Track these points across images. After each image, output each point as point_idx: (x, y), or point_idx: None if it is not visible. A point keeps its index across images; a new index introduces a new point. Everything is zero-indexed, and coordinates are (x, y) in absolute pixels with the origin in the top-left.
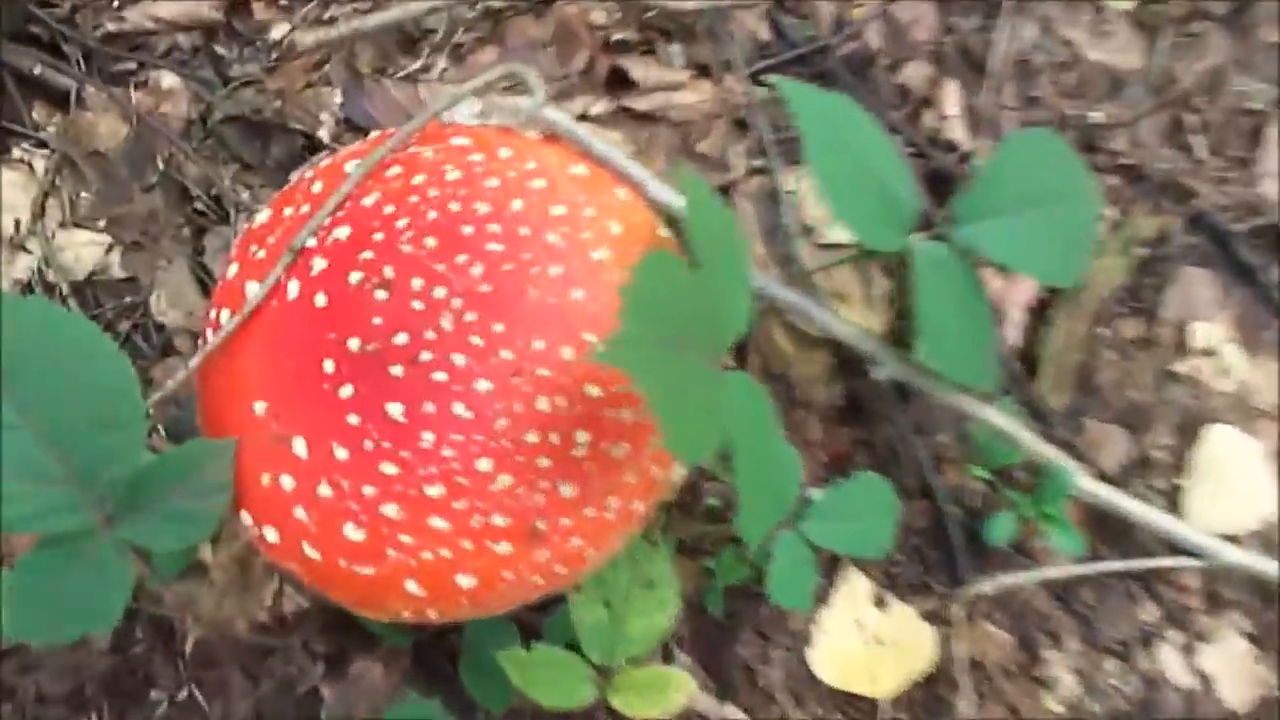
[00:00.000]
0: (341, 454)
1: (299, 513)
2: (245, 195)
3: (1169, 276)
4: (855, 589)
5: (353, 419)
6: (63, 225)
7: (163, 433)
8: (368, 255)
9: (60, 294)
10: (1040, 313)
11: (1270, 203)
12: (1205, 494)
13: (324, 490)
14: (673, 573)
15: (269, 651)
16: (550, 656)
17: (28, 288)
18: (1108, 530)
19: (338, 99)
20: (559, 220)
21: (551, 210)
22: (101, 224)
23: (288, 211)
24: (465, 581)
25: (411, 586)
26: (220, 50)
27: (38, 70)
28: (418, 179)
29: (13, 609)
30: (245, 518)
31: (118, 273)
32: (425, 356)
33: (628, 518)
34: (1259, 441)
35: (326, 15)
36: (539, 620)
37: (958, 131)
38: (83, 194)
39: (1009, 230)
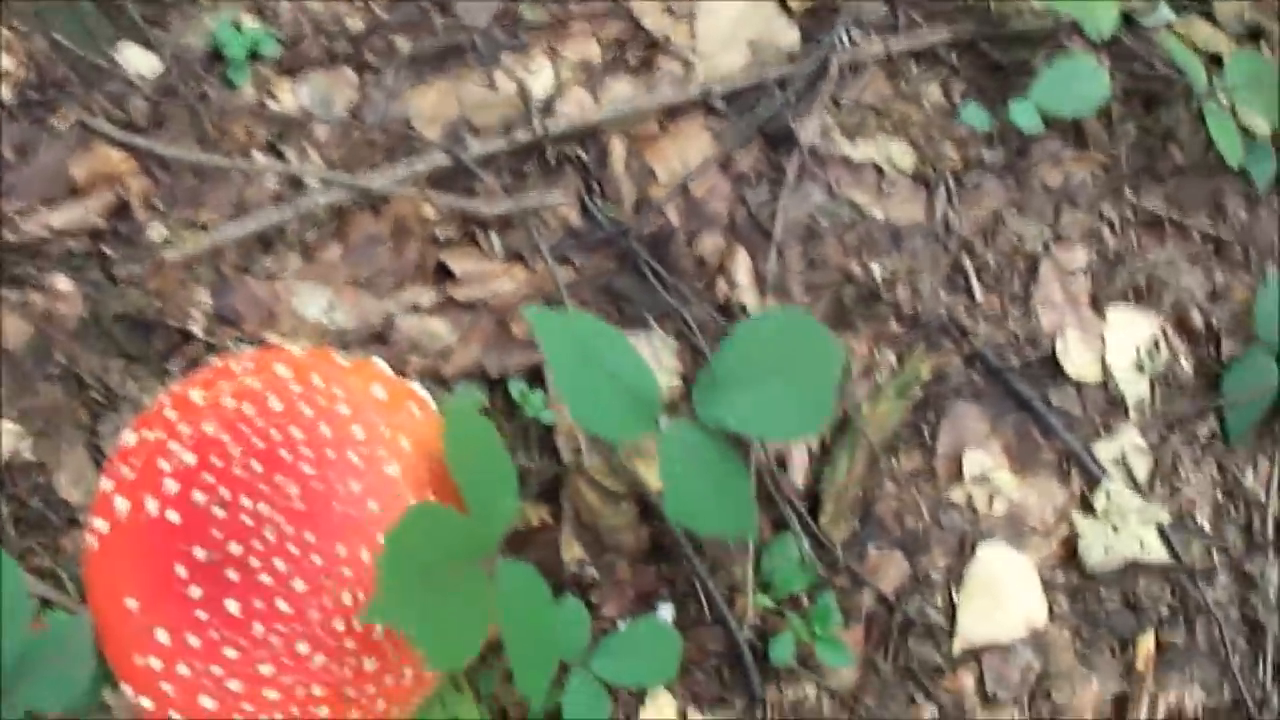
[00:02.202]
0: (194, 641)
1: (165, 686)
2: (133, 386)
3: (944, 411)
4: (661, 706)
5: (200, 614)
6: None
7: None
8: (209, 478)
9: None
10: (823, 453)
11: (1046, 336)
12: (979, 606)
13: (182, 669)
14: (479, 712)
15: None
16: None
17: None
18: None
19: (207, 299)
20: (359, 442)
21: (353, 432)
22: (14, 414)
23: (149, 436)
24: None
25: None
26: (107, 251)
27: None
28: (247, 409)
29: None
30: (126, 689)
31: (29, 457)
32: (254, 563)
33: (422, 681)
34: (1028, 555)
35: (198, 220)
36: None
37: (749, 297)
38: None
39: (747, 402)
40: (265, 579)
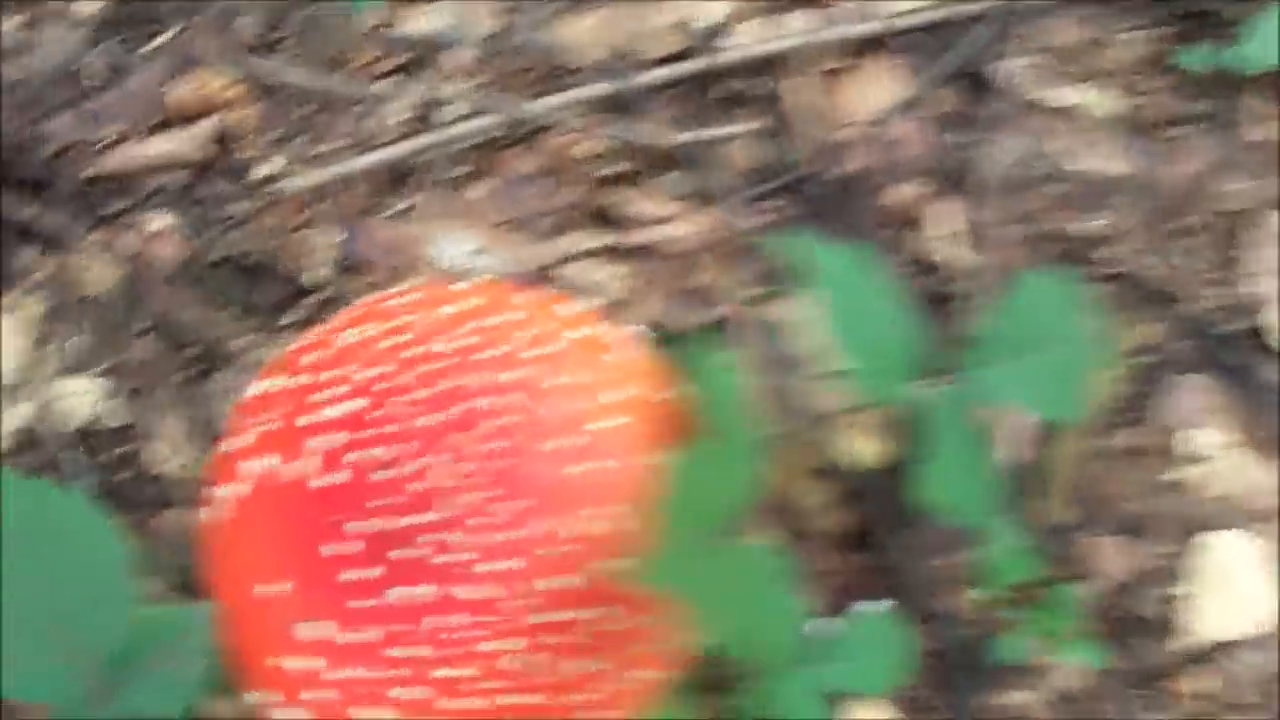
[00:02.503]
0: (351, 638)
1: (307, 696)
2: (241, 342)
3: (1159, 384)
4: (876, 711)
5: (363, 603)
6: (59, 373)
7: None
8: (373, 432)
9: (58, 444)
10: (1043, 433)
11: (1260, 302)
12: (1210, 600)
13: (332, 675)
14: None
15: None
16: None
17: (24, 438)
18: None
19: (329, 241)
20: (567, 390)
21: (561, 380)
22: (97, 371)
23: (288, 384)
24: None
25: None
26: (206, 190)
27: (22, 214)
28: (424, 348)
29: None
30: (257, 697)
31: (114, 421)
32: (429, 541)
33: (638, 688)
34: (1257, 544)
35: (313, 153)
36: None
37: (948, 251)
38: (77, 340)
39: (1011, 375)
40: (443, 560)
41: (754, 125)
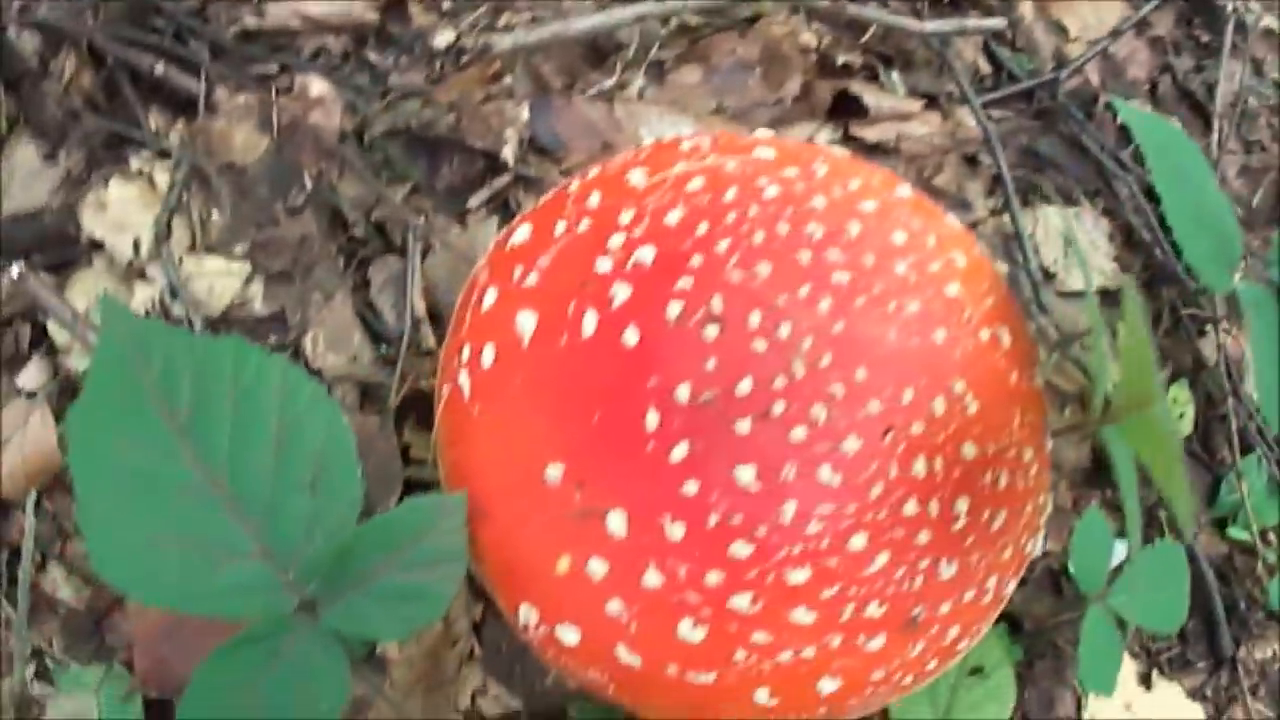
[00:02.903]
0: (676, 531)
1: (613, 607)
2: (420, 221)
3: None
4: (1121, 670)
5: (689, 487)
6: (192, 250)
7: None
8: (686, 283)
9: (190, 330)
10: None
11: None
12: None
13: (651, 578)
14: (1007, 655)
15: None
16: None
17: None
18: None
19: (523, 115)
20: (903, 249)
21: (893, 237)
22: (239, 250)
23: (559, 228)
24: (828, 686)
25: (762, 696)
26: (374, 57)
27: (159, 69)
28: (729, 194)
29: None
30: (527, 613)
31: (260, 309)
32: (778, 409)
33: (999, 599)
34: None
35: (499, 24)
36: None
37: None
38: (215, 214)
39: None
40: (798, 433)
41: (991, 24)
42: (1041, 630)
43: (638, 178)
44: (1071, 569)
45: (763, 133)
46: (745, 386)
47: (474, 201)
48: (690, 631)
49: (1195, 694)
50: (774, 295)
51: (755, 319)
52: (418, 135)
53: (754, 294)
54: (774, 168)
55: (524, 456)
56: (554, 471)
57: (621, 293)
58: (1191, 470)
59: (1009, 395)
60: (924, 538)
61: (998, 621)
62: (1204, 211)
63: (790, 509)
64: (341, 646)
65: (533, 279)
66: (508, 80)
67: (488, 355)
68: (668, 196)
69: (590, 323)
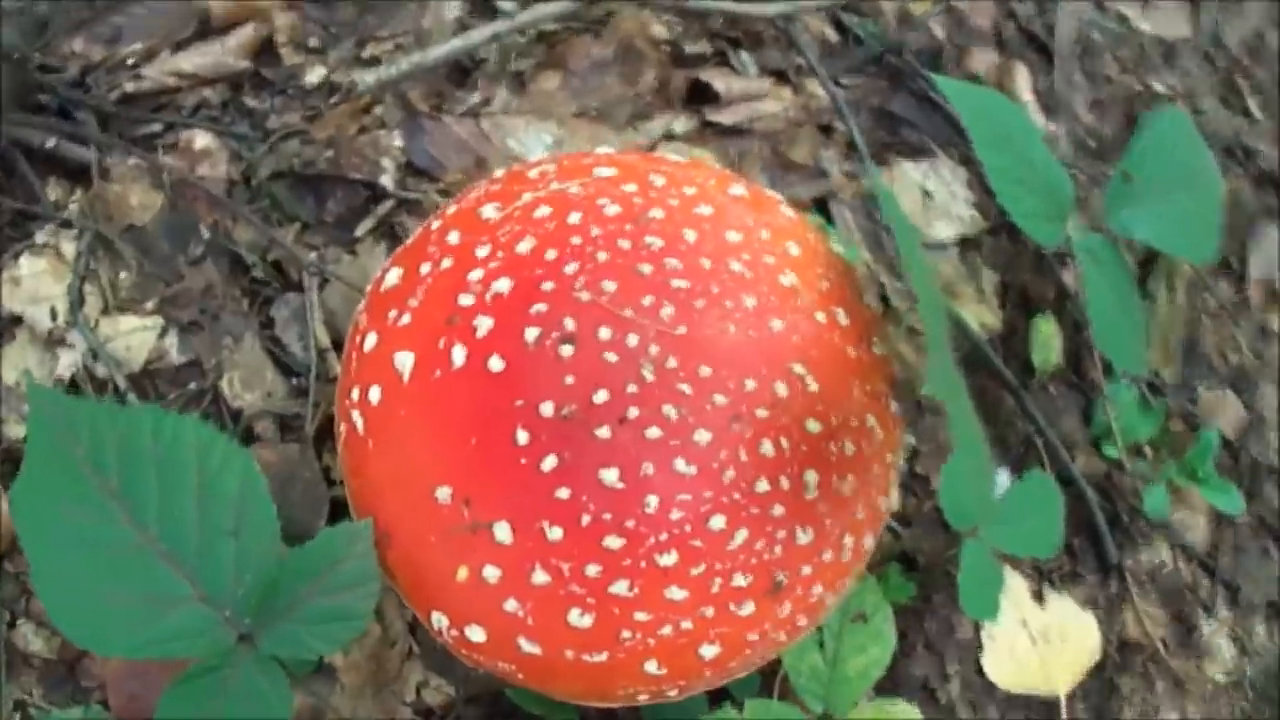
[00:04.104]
0: (555, 533)
1: (510, 605)
2: (313, 256)
3: (1249, 235)
4: (1014, 589)
5: (562, 493)
6: (106, 312)
7: None
8: (540, 308)
9: (115, 388)
10: (1141, 287)
11: None
12: None
13: (539, 577)
14: (885, 602)
15: None
16: (766, 712)
17: (72, 385)
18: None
19: (397, 142)
20: (737, 247)
21: (727, 237)
22: (150, 306)
23: (424, 269)
24: (709, 652)
25: (651, 667)
26: (251, 102)
27: (50, 143)
28: (573, 217)
29: None
30: (439, 618)
31: (176, 358)
32: (633, 413)
33: (859, 555)
34: None
35: (365, 55)
36: None
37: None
38: (122, 275)
39: (1155, 215)
40: (653, 432)
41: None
42: (934, 565)
43: (490, 211)
44: (943, 508)
45: (603, 150)
46: (602, 396)
47: (360, 230)
48: (579, 619)
49: (1088, 603)
50: (620, 308)
51: (605, 333)
52: (301, 174)
53: (602, 310)
54: (614, 185)
55: (416, 481)
56: (443, 492)
57: (484, 324)
58: (1065, 396)
59: (848, 369)
60: (778, 510)
61: (888, 562)
62: (1029, 171)
63: (653, 501)
64: (281, 670)
65: (406, 319)
66: (379, 110)
67: (374, 394)
68: (518, 227)
69: (459, 355)
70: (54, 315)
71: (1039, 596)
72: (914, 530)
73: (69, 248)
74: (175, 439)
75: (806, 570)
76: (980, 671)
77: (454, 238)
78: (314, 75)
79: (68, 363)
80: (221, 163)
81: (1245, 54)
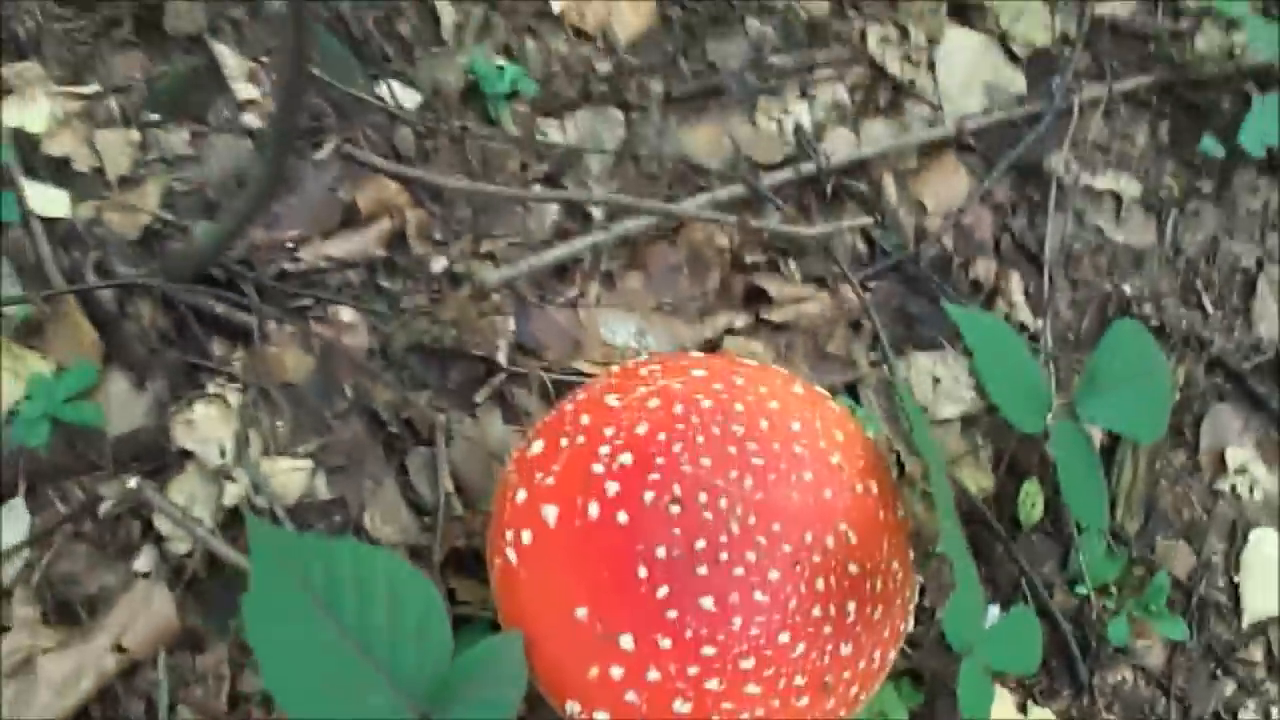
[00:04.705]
0: (665, 643)
1: (630, 696)
2: (441, 417)
3: (1201, 412)
4: (1002, 703)
5: (671, 614)
6: (265, 454)
7: None
8: (655, 477)
9: (274, 517)
10: (1108, 456)
11: (1269, 342)
12: (1259, 585)
13: (653, 675)
14: (901, 706)
15: None
16: None
17: (235, 514)
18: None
19: (510, 325)
20: (799, 434)
21: (792, 426)
22: (302, 451)
23: (564, 442)
24: None
25: None
26: (386, 284)
27: (219, 309)
28: (678, 409)
29: None
30: (573, 707)
31: (325, 495)
32: (724, 556)
33: (885, 665)
34: None
35: (480, 250)
36: None
37: (1024, 314)
38: (279, 423)
39: (1113, 405)
40: (738, 571)
41: (862, 222)
42: (937, 679)
43: (612, 400)
44: (946, 634)
45: (695, 355)
46: (701, 544)
47: (479, 397)
48: (681, 706)
49: (1063, 715)
50: (713, 479)
51: (703, 497)
52: (429, 348)
53: (700, 479)
54: (706, 384)
55: (559, 603)
56: (581, 612)
57: (612, 487)
58: (1046, 545)
59: (879, 527)
60: (827, 630)
61: (902, 676)
62: (1017, 377)
63: (738, 621)
64: None
65: (550, 480)
66: (495, 298)
67: (526, 536)
68: (637, 414)
69: (594, 509)
70: (222, 453)
71: (1023, 709)
72: (922, 651)
73: (234, 398)
74: (369, 564)
75: (846, 675)
76: None
77: (585, 420)
78: (438, 264)
79: (233, 494)
80: (362, 334)
81: (1201, 257)
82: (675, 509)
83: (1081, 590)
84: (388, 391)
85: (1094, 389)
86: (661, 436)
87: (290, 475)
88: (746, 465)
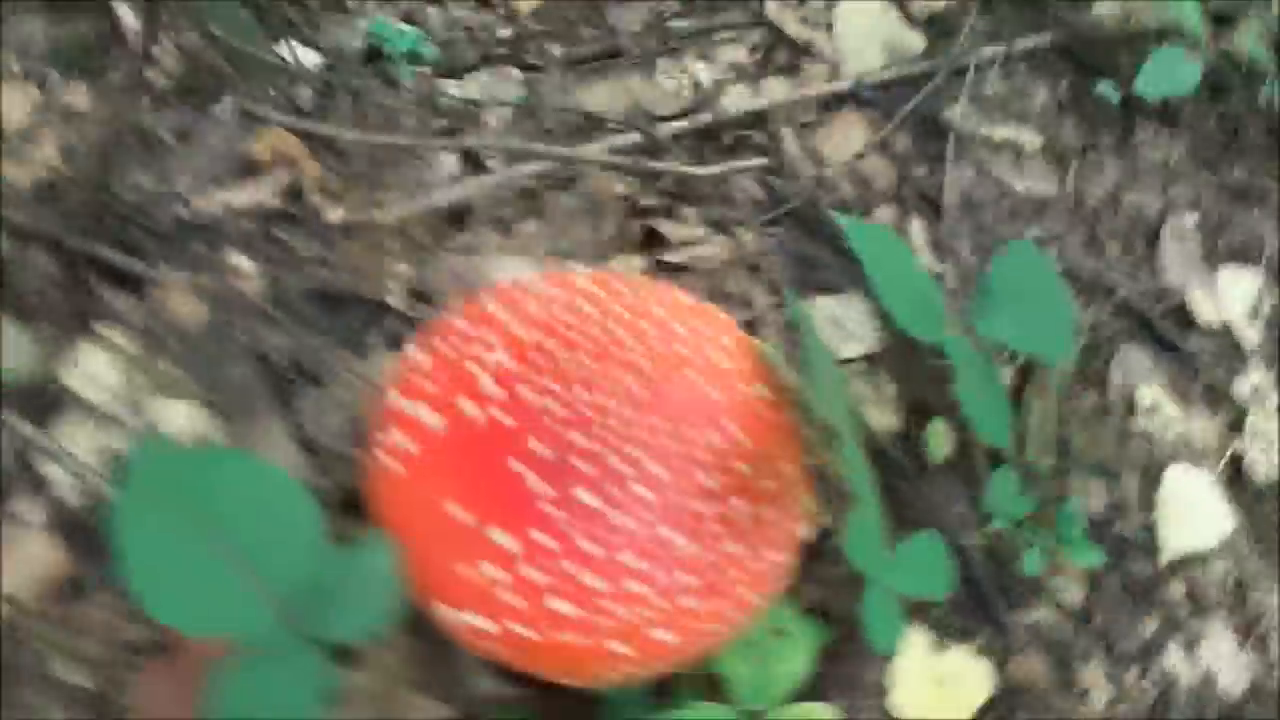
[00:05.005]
0: (544, 540)
1: (507, 596)
2: (332, 358)
3: (1110, 355)
4: (916, 641)
5: (549, 509)
6: (155, 397)
7: None
8: (537, 378)
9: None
10: (1017, 397)
11: (1174, 290)
12: (1175, 523)
13: (531, 573)
14: (799, 620)
15: None
16: (702, 713)
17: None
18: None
19: (403, 270)
20: (684, 338)
21: (676, 329)
22: (194, 395)
23: (442, 348)
24: (663, 636)
25: (617, 647)
26: (283, 235)
27: (112, 257)
28: (558, 311)
29: None
30: (448, 611)
31: (215, 438)
32: (606, 452)
33: (778, 568)
34: (1207, 473)
35: (377, 199)
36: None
37: (925, 258)
38: (170, 368)
39: (1013, 321)
40: (622, 467)
41: (757, 163)
42: (845, 615)
43: (493, 307)
44: (847, 553)
45: (580, 268)
46: (580, 439)
47: (371, 340)
48: (564, 606)
49: (980, 653)
50: (594, 377)
51: (585, 395)
52: (323, 293)
53: (581, 378)
54: (588, 292)
55: (433, 503)
56: (455, 509)
57: (489, 386)
58: (957, 486)
59: (768, 429)
60: (715, 527)
61: (808, 613)
62: (909, 286)
63: (620, 516)
64: (317, 648)
65: (427, 383)
66: (390, 245)
67: (399, 438)
68: (517, 318)
69: (470, 408)
70: (112, 397)
71: (939, 647)
72: (825, 587)
73: (125, 343)
74: (242, 471)
75: (734, 574)
76: (886, 712)
77: (463, 325)
78: (334, 215)
79: (122, 439)
80: (257, 281)
81: (1104, 207)
82: (557, 407)
83: (996, 523)
84: (280, 335)
85: (992, 305)
86: (542, 338)
87: (181, 419)
88: (629, 365)
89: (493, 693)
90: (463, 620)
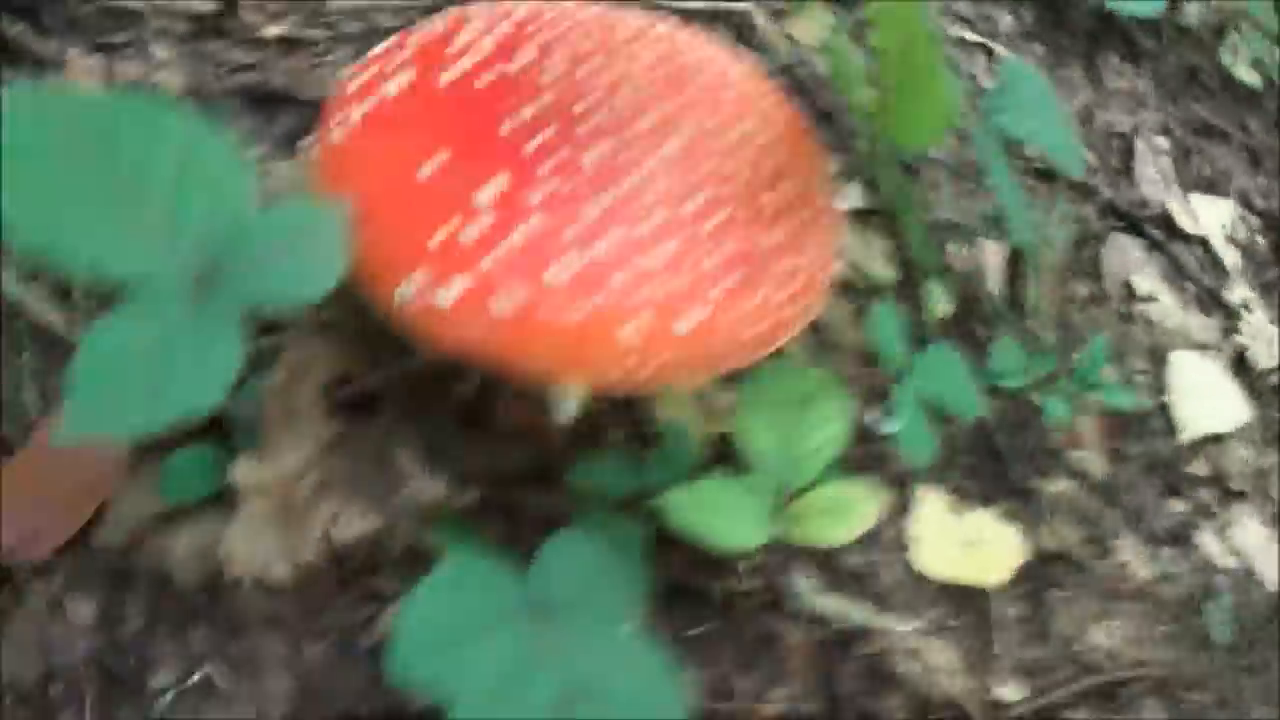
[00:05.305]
0: (536, 198)
1: (487, 264)
2: (256, 155)
3: (1100, 245)
4: (933, 503)
5: (546, 167)
6: None
7: None
8: (528, 48)
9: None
10: (1013, 277)
11: (1155, 202)
12: (1190, 404)
13: (518, 237)
14: (829, 381)
15: (318, 602)
16: (720, 490)
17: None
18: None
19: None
20: (693, 45)
21: (682, 38)
22: None
23: (414, 39)
24: (681, 327)
25: (625, 333)
26: (211, 46)
27: (18, 34)
28: (550, 16)
29: (83, 391)
30: (407, 287)
31: None
32: (606, 116)
33: (813, 282)
34: (1215, 362)
35: (319, 21)
36: None
37: None
38: None
39: (1027, 124)
40: (633, 131)
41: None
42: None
43: (474, 11)
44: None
45: None
46: (580, 106)
47: (303, 143)
48: (559, 275)
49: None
50: (599, 54)
51: (581, 70)
52: (253, 92)
53: (586, 53)
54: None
55: (398, 166)
56: (427, 169)
57: (468, 62)
58: (961, 346)
59: (793, 135)
60: (741, 213)
61: None
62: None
63: (632, 180)
64: (235, 316)
65: (396, 64)
66: (330, 57)
67: (357, 112)
68: (501, 19)
69: (449, 76)
70: None
71: (958, 511)
72: None
73: None
74: (159, 118)
75: (767, 268)
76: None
77: (441, 24)
78: (271, 31)
79: None
80: (178, 75)
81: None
82: (548, 76)
83: (1010, 384)
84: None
85: (1004, 106)
86: (531, 28)
87: None
88: (635, 58)
89: (430, 495)
90: (427, 300)
